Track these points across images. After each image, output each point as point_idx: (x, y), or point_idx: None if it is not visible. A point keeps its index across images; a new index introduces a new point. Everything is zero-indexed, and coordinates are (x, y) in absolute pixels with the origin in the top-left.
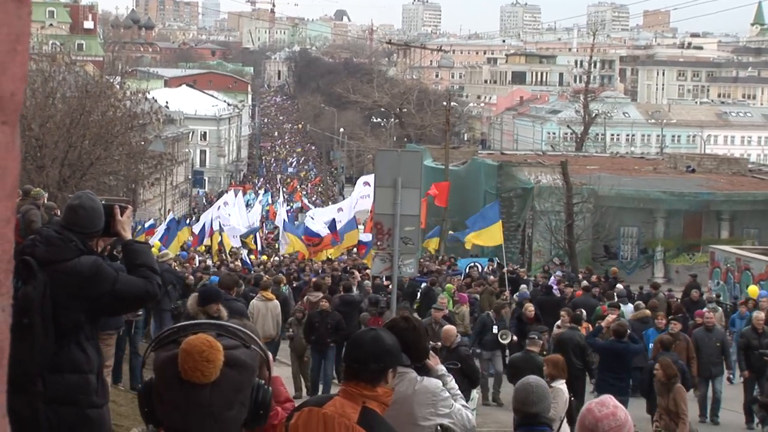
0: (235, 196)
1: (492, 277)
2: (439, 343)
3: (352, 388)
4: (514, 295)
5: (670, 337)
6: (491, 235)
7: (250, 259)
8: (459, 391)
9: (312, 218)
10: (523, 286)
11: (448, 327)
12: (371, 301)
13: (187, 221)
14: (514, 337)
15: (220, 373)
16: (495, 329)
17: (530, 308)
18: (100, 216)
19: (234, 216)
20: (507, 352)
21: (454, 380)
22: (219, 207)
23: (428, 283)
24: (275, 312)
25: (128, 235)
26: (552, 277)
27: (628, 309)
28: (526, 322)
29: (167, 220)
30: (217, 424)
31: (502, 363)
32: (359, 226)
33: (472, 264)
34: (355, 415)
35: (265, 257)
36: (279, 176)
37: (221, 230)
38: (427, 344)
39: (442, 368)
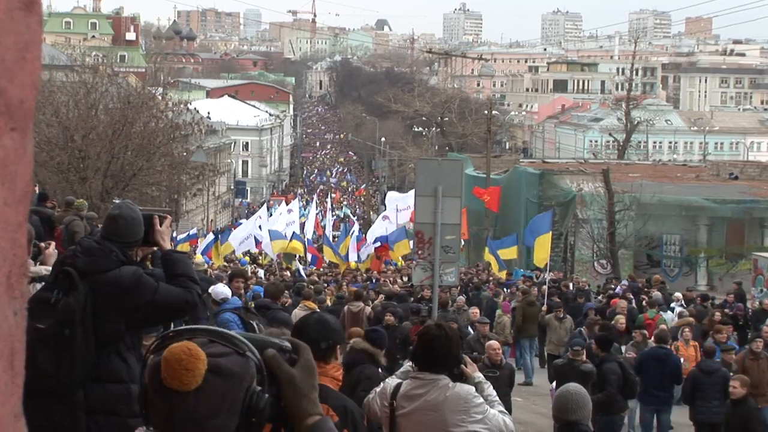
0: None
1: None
2: (485, 356)
3: None
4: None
5: (752, 356)
6: (543, 247)
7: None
8: (497, 398)
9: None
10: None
11: (493, 342)
12: (413, 311)
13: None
14: None
15: (205, 380)
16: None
17: (621, 320)
18: (140, 225)
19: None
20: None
21: (491, 387)
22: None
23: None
24: None
25: (167, 245)
26: (618, 288)
27: (668, 316)
28: (615, 335)
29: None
30: (203, 431)
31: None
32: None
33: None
34: None
35: (314, 268)
36: (321, 187)
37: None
38: (460, 352)
39: (479, 375)
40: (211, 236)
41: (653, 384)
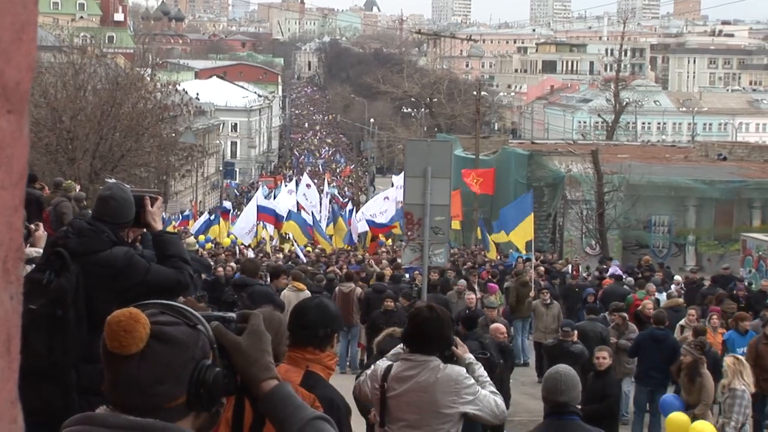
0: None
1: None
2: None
3: (297, 354)
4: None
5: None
6: (524, 231)
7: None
8: (488, 379)
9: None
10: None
11: (497, 325)
12: (403, 293)
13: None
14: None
15: (149, 346)
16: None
17: (649, 305)
18: (131, 206)
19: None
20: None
21: (482, 368)
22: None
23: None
24: None
25: (159, 226)
26: (611, 269)
27: (661, 297)
28: (644, 320)
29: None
30: (146, 397)
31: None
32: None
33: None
34: (299, 378)
35: (309, 249)
36: (309, 168)
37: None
38: (451, 334)
39: (470, 356)
40: (206, 216)
41: (650, 365)
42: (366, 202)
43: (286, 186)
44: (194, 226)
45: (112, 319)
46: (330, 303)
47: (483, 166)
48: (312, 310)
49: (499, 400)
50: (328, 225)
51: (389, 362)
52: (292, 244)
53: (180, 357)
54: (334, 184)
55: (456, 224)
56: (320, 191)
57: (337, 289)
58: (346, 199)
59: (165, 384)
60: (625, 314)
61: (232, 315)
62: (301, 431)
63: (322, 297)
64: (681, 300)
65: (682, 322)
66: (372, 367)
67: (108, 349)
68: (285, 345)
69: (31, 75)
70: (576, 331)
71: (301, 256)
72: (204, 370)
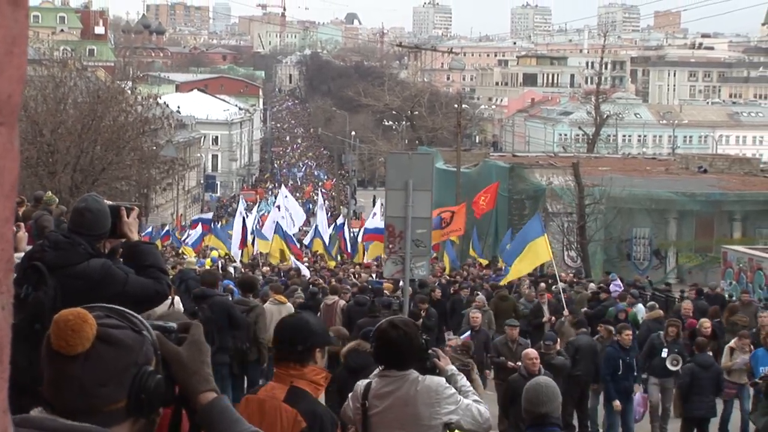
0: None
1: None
2: (519, 363)
3: (281, 371)
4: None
5: None
6: (536, 253)
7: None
8: (471, 388)
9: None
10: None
11: (529, 351)
12: (384, 304)
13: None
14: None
15: (93, 347)
16: (664, 353)
17: (706, 324)
18: (107, 218)
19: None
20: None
21: (465, 378)
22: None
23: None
24: None
25: (135, 237)
26: (612, 285)
27: (639, 309)
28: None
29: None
30: (87, 398)
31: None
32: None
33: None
34: (283, 394)
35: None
36: (290, 182)
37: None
38: (421, 342)
39: (452, 368)
40: (199, 230)
41: (698, 392)
42: (347, 214)
43: (271, 201)
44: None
45: (59, 318)
46: (311, 318)
47: (464, 179)
48: (290, 326)
49: (483, 408)
50: (314, 239)
51: (368, 380)
52: (281, 261)
53: (123, 360)
54: (316, 197)
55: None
56: (303, 205)
57: (323, 303)
58: (329, 214)
59: (107, 386)
60: (611, 327)
61: (173, 325)
62: None
63: (303, 312)
64: (661, 312)
65: (731, 344)
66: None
67: (52, 348)
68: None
69: (22, 88)
70: (557, 344)
71: (304, 269)
72: (146, 376)
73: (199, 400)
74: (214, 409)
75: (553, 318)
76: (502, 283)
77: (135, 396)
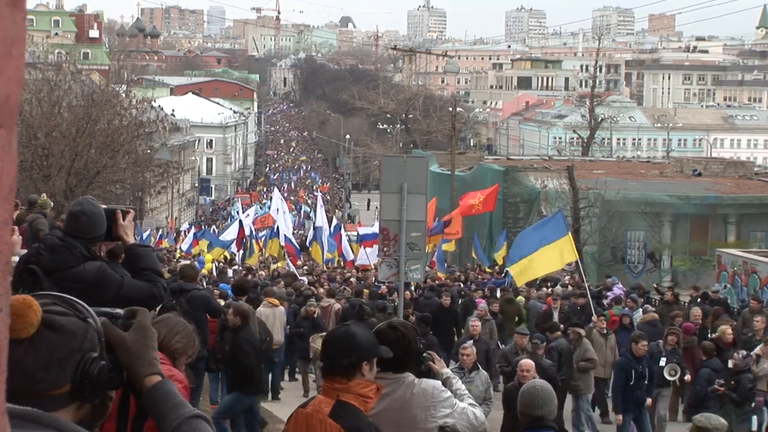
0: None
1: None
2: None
3: (327, 384)
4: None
5: None
6: (561, 254)
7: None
8: (466, 391)
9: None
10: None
11: (526, 362)
12: (378, 307)
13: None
14: (687, 377)
15: (39, 333)
16: (662, 361)
17: (728, 331)
18: (102, 221)
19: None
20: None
21: (460, 381)
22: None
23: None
24: (282, 318)
25: (131, 240)
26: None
27: (636, 314)
28: (723, 348)
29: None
30: (30, 383)
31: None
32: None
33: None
34: (329, 408)
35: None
36: (285, 185)
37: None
38: (419, 346)
39: (447, 371)
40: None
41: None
42: (341, 217)
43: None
44: (183, 244)
45: None
46: (359, 331)
47: (459, 183)
48: (335, 339)
49: (478, 411)
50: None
51: None
52: (278, 264)
53: (67, 346)
54: (310, 201)
55: (452, 245)
56: (297, 208)
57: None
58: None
59: (50, 371)
60: (581, 330)
61: (120, 311)
62: (178, 429)
63: (351, 325)
64: (656, 315)
65: (757, 350)
66: None
67: None
68: (179, 343)
69: (21, 89)
70: (544, 345)
71: (298, 273)
72: (90, 362)
73: (144, 383)
74: (157, 392)
75: (562, 326)
76: (519, 285)
77: (78, 381)
